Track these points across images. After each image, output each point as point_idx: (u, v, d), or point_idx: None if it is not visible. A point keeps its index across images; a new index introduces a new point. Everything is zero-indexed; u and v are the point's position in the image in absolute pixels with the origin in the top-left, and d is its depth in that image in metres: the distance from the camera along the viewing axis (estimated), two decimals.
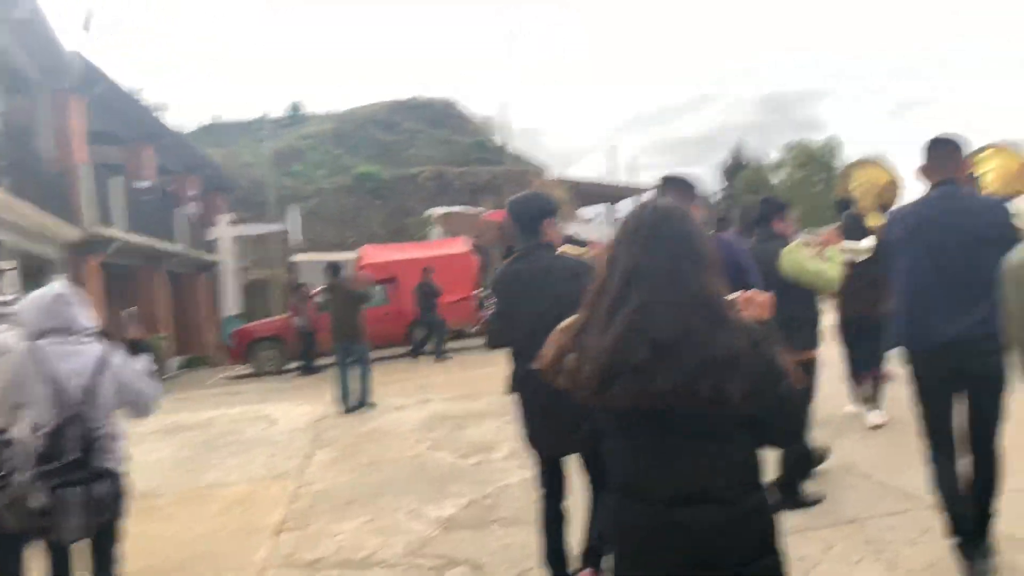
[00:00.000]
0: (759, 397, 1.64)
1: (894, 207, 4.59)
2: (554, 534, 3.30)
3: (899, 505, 4.13)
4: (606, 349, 1.68)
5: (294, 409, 10.24)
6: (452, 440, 7.24)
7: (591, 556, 3.24)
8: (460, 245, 18.24)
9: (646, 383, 1.63)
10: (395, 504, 5.35)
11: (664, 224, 1.77)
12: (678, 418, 1.67)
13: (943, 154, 3.30)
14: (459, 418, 8.16)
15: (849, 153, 42.17)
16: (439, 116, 41.27)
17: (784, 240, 4.44)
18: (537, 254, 3.26)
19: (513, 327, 3.29)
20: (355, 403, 9.30)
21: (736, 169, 49.30)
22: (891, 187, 6.75)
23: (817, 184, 42.97)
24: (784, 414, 1.73)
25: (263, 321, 17.66)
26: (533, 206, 3.32)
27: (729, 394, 1.60)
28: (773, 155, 48.59)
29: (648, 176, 45.79)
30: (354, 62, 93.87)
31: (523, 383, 3.22)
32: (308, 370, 14.95)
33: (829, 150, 44.11)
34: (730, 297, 1.79)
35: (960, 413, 3.21)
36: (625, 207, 45.55)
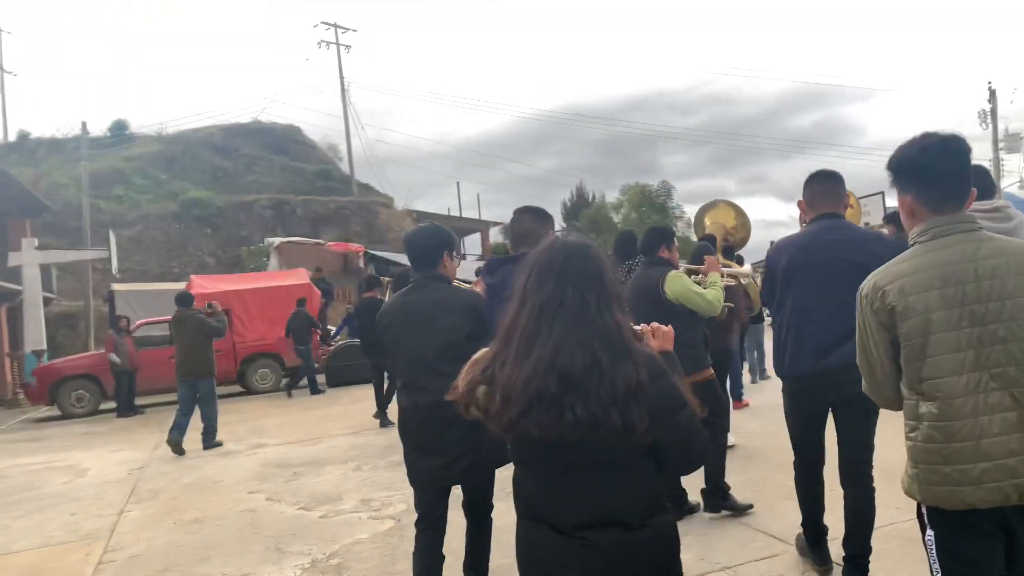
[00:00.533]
0: (662, 425, 1.71)
1: (742, 243, 4.94)
2: (431, 568, 3.22)
3: (770, 549, 4.03)
4: (518, 383, 1.72)
5: (108, 457, 9.07)
6: (291, 491, 6.48)
7: None
8: (299, 276, 17.33)
9: (558, 415, 1.69)
10: (224, 569, 4.65)
11: (572, 261, 1.81)
12: (585, 447, 1.71)
13: (826, 188, 3.39)
14: (298, 465, 7.38)
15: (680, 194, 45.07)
16: (281, 142, 39.79)
17: (669, 266, 4.53)
18: (432, 286, 3.25)
19: (401, 358, 3.26)
20: (209, 443, 8.77)
21: (579, 207, 51.19)
22: (739, 228, 7.17)
23: (650, 223, 45.42)
24: (685, 442, 1.78)
25: (73, 357, 15.92)
26: (433, 238, 3.32)
27: (634, 423, 1.67)
28: (611, 196, 50.95)
29: (492, 213, 46.33)
30: (187, 81, 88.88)
31: (409, 415, 3.24)
32: (126, 411, 13.53)
33: (665, 192, 47.03)
34: (636, 328, 1.89)
35: (834, 441, 3.35)
36: (473, 242, 46.14)
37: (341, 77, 37.90)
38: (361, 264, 25.56)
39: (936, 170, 1.96)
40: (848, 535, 3.24)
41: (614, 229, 46.77)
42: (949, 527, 1.89)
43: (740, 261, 7.42)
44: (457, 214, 43.63)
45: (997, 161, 31.48)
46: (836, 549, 3.46)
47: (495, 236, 44.42)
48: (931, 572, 1.97)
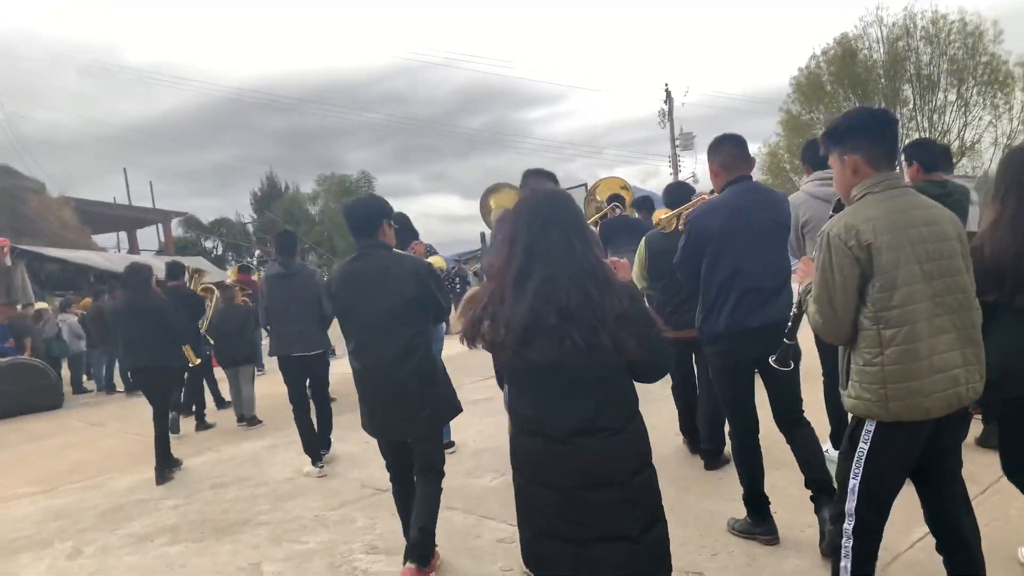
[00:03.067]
0: (643, 343, 1.99)
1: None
2: (408, 510, 3.39)
3: None
4: (521, 316, 1.97)
5: None
6: None
7: (414, 552, 3.27)
8: None
9: (558, 343, 1.94)
10: None
11: (556, 207, 2.08)
12: (577, 369, 1.97)
13: (740, 152, 3.44)
14: None
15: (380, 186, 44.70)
16: None
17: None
18: (375, 253, 3.36)
19: (352, 324, 3.39)
20: None
21: (271, 197, 48.26)
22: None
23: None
24: (658, 354, 2.09)
25: None
26: (370, 208, 3.44)
27: (626, 344, 1.95)
28: (305, 187, 48.79)
29: (166, 203, 41.49)
30: None
31: (365, 376, 3.36)
32: None
33: (366, 182, 45.88)
34: (604, 262, 2.13)
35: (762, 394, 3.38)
36: (148, 235, 40.86)
37: None
38: (8, 261, 21.11)
39: (883, 133, 2.27)
40: (805, 465, 3.26)
41: (311, 221, 44.93)
42: (894, 439, 2.17)
43: None
44: (126, 203, 38.28)
45: (675, 158, 35.40)
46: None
47: (176, 229, 40.04)
48: (849, 477, 2.22)
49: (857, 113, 2.37)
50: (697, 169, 39.88)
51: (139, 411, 9.66)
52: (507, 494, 4.06)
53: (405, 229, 5.01)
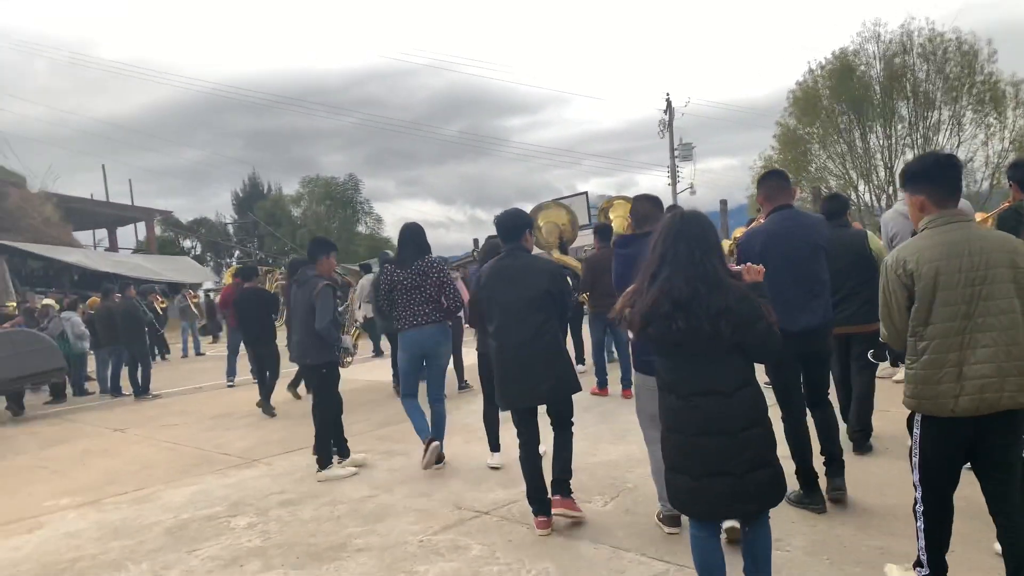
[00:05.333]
0: (745, 331, 2.60)
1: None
2: (535, 472, 4.03)
3: None
4: (647, 305, 2.68)
5: None
6: None
7: (558, 486, 4.05)
8: None
9: (668, 326, 2.63)
10: None
11: (686, 225, 2.72)
12: (696, 345, 2.62)
13: (778, 184, 4.13)
14: None
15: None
16: None
17: None
18: (518, 254, 4.16)
19: (495, 309, 4.08)
20: None
21: (253, 198, 47.35)
22: (569, 226, 6.93)
23: (335, 220, 43.71)
24: (763, 342, 2.64)
25: None
26: (518, 219, 4.24)
27: (722, 331, 2.58)
28: (288, 188, 47.91)
29: (144, 201, 40.29)
30: None
31: (501, 352, 4.05)
32: None
33: (353, 185, 45.14)
34: (735, 268, 2.91)
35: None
36: (127, 234, 39.73)
37: None
38: None
39: (945, 176, 2.70)
40: (823, 435, 4.02)
41: (293, 223, 44.14)
42: (932, 431, 2.64)
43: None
44: (104, 199, 37.21)
45: (673, 168, 35.30)
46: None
47: (157, 229, 39.00)
48: (911, 463, 2.74)
49: (923, 159, 2.87)
50: (696, 179, 39.94)
51: (156, 416, 9.23)
52: (627, 520, 3.86)
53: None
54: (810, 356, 3.98)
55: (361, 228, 44.49)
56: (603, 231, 8.26)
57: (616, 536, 3.81)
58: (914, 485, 2.74)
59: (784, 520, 3.71)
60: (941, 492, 2.68)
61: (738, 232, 5.10)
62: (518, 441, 4.11)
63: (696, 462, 2.61)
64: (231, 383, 11.16)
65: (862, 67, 28.67)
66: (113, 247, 36.59)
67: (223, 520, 4.62)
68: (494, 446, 5.33)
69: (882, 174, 28.96)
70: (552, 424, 4.14)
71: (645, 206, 4.06)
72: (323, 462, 5.40)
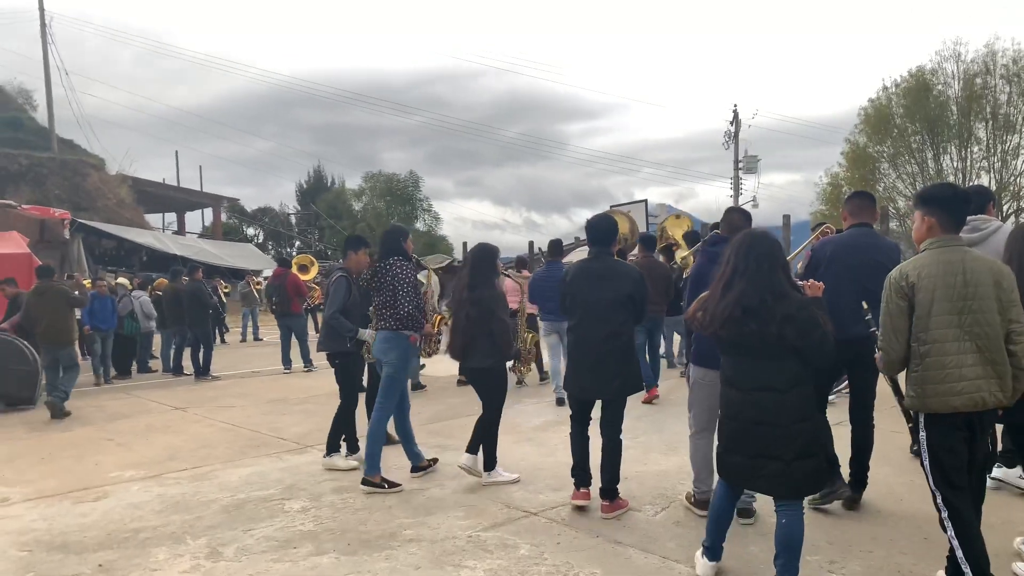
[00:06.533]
0: (805, 337, 2.99)
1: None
2: (583, 451, 4.43)
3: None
4: (719, 310, 3.13)
5: None
6: None
7: (606, 495, 4.31)
8: (14, 243, 12.16)
9: (740, 329, 3.07)
10: None
11: (757, 241, 3.17)
12: (757, 347, 3.06)
13: (864, 204, 4.48)
14: (93, 547, 4.04)
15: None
16: None
17: None
18: (604, 258, 4.47)
19: (577, 305, 4.42)
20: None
21: (317, 191, 48.32)
22: (630, 234, 7.09)
23: (395, 216, 44.11)
24: (819, 347, 3.02)
25: None
26: (609, 225, 4.62)
27: (786, 335, 2.99)
28: (351, 182, 48.57)
29: (211, 188, 41.39)
30: None
31: (577, 347, 4.42)
32: None
33: (413, 183, 45.34)
34: (799, 283, 3.31)
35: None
36: (194, 219, 41.07)
37: (41, 8, 31.53)
38: (67, 235, 21.20)
39: (956, 206, 3.06)
40: (856, 448, 4.35)
41: (353, 216, 44.81)
42: (938, 427, 2.95)
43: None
44: (175, 184, 38.43)
45: (737, 180, 34.77)
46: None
47: (223, 215, 40.10)
48: (922, 461, 3.01)
49: (940, 187, 3.21)
50: (758, 192, 39.14)
51: (214, 396, 9.52)
52: (677, 532, 3.83)
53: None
54: (855, 361, 4.16)
55: (419, 225, 44.83)
56: (648, 241, 8.71)
57: (667, 547, 3.79)
58: (932, 493, 2.98)
59: (842, 543, 3.75)
60: (957, 488, 2.93)
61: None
62: (571, 427, 4.48)
63: (751, 445, 3.06)
64: (288, 369, 11.47)
65: (939, 86, 27.80)
66: (181, 231, 37.77)
67: (277, 503, 4.74)
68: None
69: None
70: (602, 428, 4.35)
71: (737, 217, 4.38)
72: (329, 448, 5.59)
